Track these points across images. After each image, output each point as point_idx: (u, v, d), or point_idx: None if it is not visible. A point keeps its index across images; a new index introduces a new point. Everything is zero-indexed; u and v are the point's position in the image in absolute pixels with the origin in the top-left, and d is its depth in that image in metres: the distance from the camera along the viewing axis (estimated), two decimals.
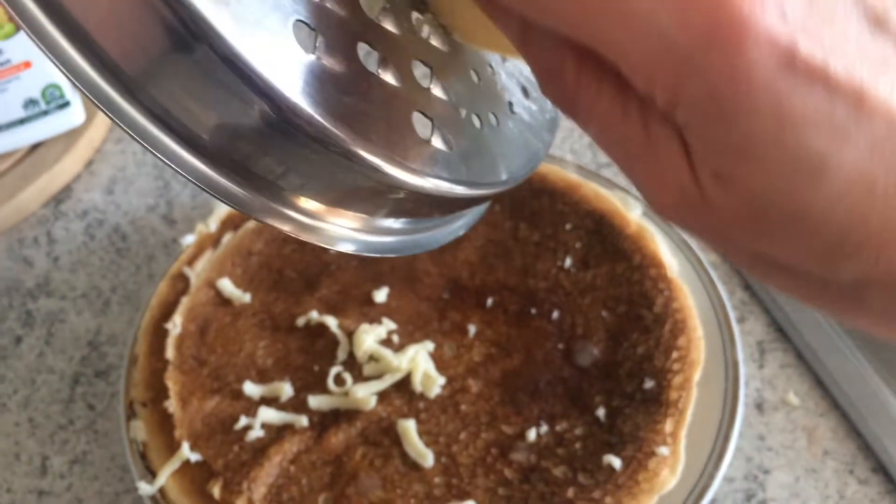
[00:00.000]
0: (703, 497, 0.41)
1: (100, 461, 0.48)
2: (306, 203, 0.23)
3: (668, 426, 0.42)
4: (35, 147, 0.63)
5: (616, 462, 0.41)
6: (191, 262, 0.50)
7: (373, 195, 0.23)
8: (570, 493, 0.40)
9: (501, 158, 0.27)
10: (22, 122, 0.61)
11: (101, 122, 0.66)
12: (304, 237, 0.24)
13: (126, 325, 0.54)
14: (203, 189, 0.22)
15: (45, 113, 0.62)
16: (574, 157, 0.62)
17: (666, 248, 0.51)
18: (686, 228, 0.21)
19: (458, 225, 0.30)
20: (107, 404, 0.51)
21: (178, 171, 0.21)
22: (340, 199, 0.24)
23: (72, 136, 0.64)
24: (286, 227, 0.23)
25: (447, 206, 0.26)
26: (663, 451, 0.41)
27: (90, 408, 0.51)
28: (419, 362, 0.46)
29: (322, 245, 0.24)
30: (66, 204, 0.62)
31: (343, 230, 0.25)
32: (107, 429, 0.49)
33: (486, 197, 0.26)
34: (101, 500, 0.46)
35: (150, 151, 0.21)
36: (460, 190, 0.24)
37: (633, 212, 0.53)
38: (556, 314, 0.48)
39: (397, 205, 0.25)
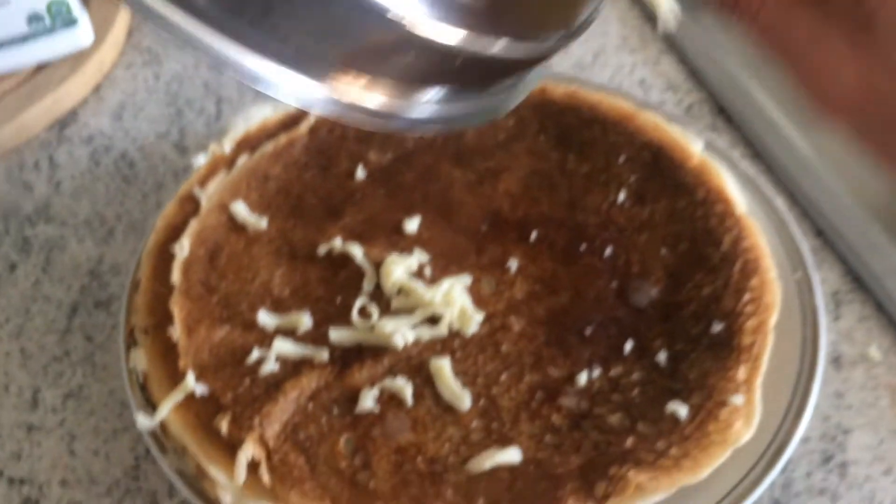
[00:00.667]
0: (781, 454, 0.36)
1: (97, 396, 0.43)
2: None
3: (742, 373, 0.37)
4: (40, 68, 0.58)
5: (682, 410, 0.36)
6: (202, 183, 0.45)
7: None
8: (629, 442, 0.35)
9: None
10: (25, 39, 0.57)
11: (111, 44, 0.61)
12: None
13: (130, 254, 0.49)
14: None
15: (51, 30, 0.57)
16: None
17: (733, 184, 0.45)
18: None
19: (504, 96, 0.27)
20: (107, 336, 0.46)
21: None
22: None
23: (79, 57, 0.59)
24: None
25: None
26: (736, 400, 0.36)
27: (88, 339, 0.46)
28: (455, 296, 0.40)
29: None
30: (70, 129, 0.57)
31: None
32: (106, 361, 0.45)
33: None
34: (97, 437, 0.42)
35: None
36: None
37: (694, 146, 0.47)
38: (608, 251, 0.43)
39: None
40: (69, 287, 0.48)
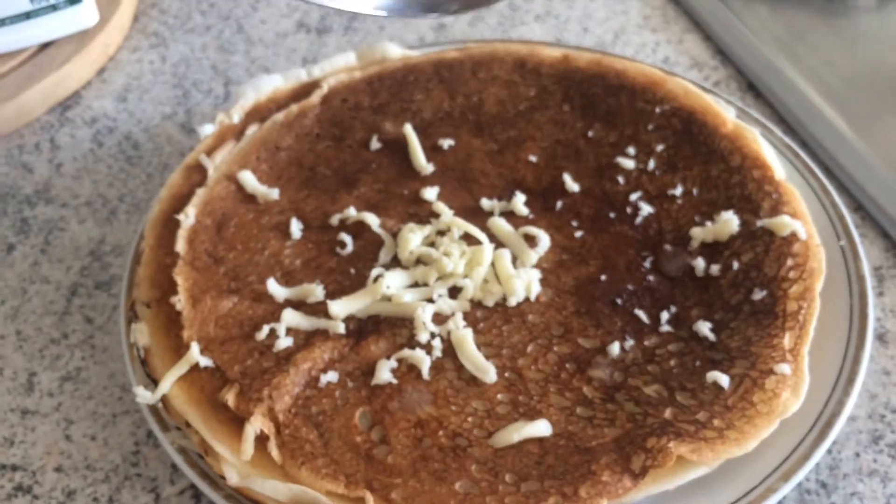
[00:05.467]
0: (831, 427, 0.33)
1: (95, 379, 0.41)
2: None
3: (788, 341, 0.34)
4: (43, 47, 0.56)
5: (724, 380, 0.33)
6: (209, 152, 0.43)
7: None
8: (668, 413, 0.32)
9: None
10: (28, 16, 0.55)
11: (116, 27, 0.59)
12: None
13: (133, 234, 0.47)
14: None
15: (55, 8, 0.55)
16: None
17: (769, 150, 0.43)
18: None
19: None
20: (107, 317, 0.43)
21: None
22: None
23: (83, 38, 0.57)
24: None
25: None
26: (784, 368, 0.33)
27: (88, 321, 0.43)
28: (477, 267, 0.38)
29: None
30: (73, 111, 0.55)
31: None
32: (106, 344, 0.42)
33: None
34: (95, 421, 0.39)
35: None
36: None
37: (727, 113, 0.45)
38: (639, 219, 0.41)
39: None
40: (69, 268, 0.46)
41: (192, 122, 0.54)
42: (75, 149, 0.53)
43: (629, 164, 0.43)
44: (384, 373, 0.35)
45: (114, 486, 0.37)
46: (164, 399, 0.35)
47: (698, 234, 0.39)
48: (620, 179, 0.42)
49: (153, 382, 0.36)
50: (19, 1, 0.54)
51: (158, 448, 0.38)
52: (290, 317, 0.36)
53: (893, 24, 0.60)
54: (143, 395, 0.34)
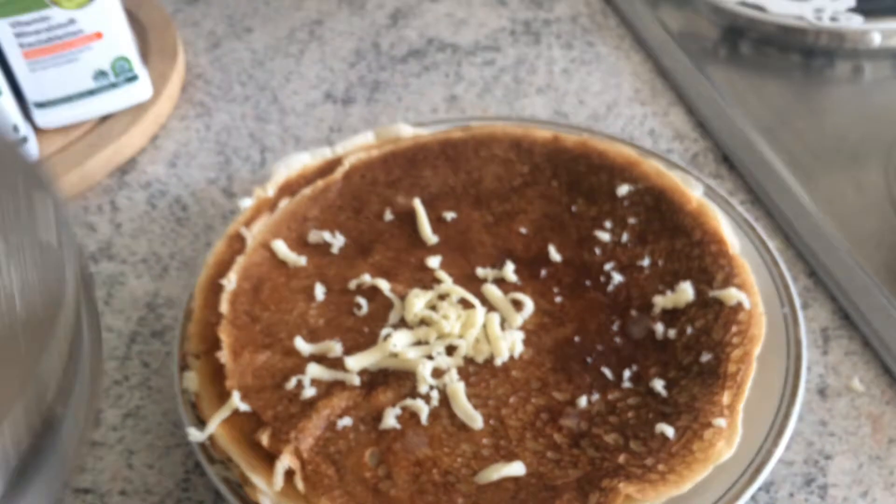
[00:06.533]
0: (760, 473, 0.40)
1: (152, 416, 0.49)
2: None
3: (726, 398, 0.41)
4: (103, 119, 0.65)
5: (669, 431, 0.40)
6: (248, 223, 0.51)
7: None
8: (622, 459, 0.39)
9: None
10: (91, 92, 0.63)
11: (167, 98, 0.67)
12: None
13: (182, 289, 0.55)
14: None
15: (114, 85, 0.63)
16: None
17: (728, 227, 0.49)
18: None
19: None
20: (161, 362, 0.51)
21: None
22: None
23: (138, 110, 0.65)
24: None
25: None
26: (720, 422, 0.40)
27: (145, 365, 0.51)
28: (470, 329, 0.45)
29: None
30: (130, 175, 0.64)
31: None
32: (160, 385, 0.50)
33: None
34: (152, 453, 0.47)
35: None
36: None
37: (694, 191, 0.52)
38: (611, 287, 0.47)
39: None
40: (128, 318, 0.54)
41: (233, 187, 0.62)
42: (132, 210, 0.61)
43: (605, 236, 0.50)
44: (390, 419, 0.42)
45: None
46: (210, 437, 0.42)
47: (660, 301, 0.46)
48: (597, 251, 0.49)
49: (201, 423, 0.43)
50: (84, 80, 0.62)
51: (204, 476, 0.45)
52: (314, 370, 0.44)
53: (863, 98, 0.67)
54: (195, 435, 0.42)
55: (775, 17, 0.68)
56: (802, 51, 0.69)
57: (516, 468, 0.39)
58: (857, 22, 0.66)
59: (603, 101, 0.67)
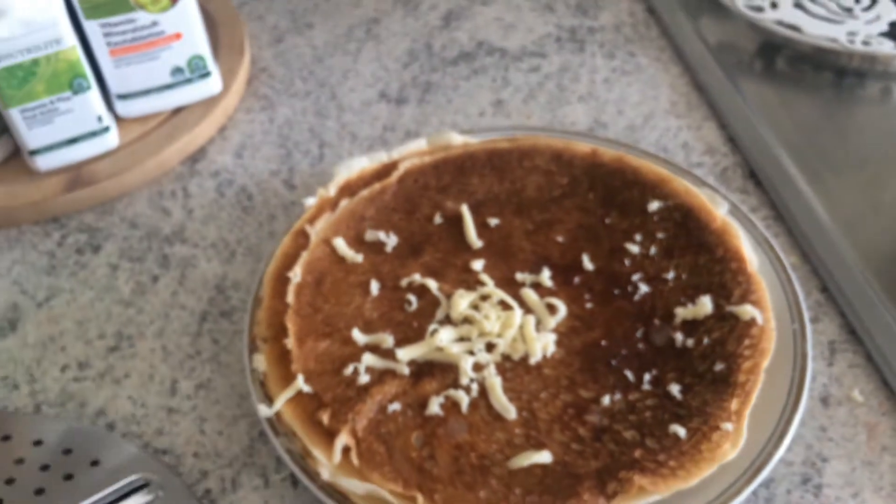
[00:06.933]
0: (760, 472, 0.45)
1: (221, 388, 0.55)
2: None
3: (734, 405, 0.46)
4: (177, 111, 0.70)
5: (681, 431, 0.45)
6: (311, 221, 0.56)
7: None
8: (637, 454, 0.45)
9: None
10: (169, 87, 0.69)
11: (234, 92, 0.73)
12: None
13: (248, 274, 0.61)
14: None
15: (189, 81, 0.69)
16: (666, 156, 0.66)
17: (748, 245, 0.54)
18: None
19: None
20: (230, 340, 0.57)
21: None
22: None
23: (209, 103, 0.71)
24: None
25: None
26: (727, 426, 0.45)
27: (215, 342, 0.57)
28: (508, 328, 0.50)
29: None
30: (200, 163, 0.69)
31: None
32: (228, 361, 0.56)
33: None
34: (221, 421, 0.53)
35: None
36: None
37: (719, 209, 0.56)
38: (637, 296, 0.52)
39: None
40: (199, 298, 0.60)
41: (293, 180, 0.68)
42: (202, 197, 0.67)
43: (635, 249, 0.55)
44: (434, 406, 0.48)
45: (235, 470, 0.51)
46: (276, 413, 0.48)
47: (681, 312, 0.51)
48: (626, 262, 0.54)
49: (268, 399, 0.50)
50: (163, 76, 0.68)
51: (267, 445, 0.52)
52: (368, 359, 0.50)
53: (890, 120, 0.70)
54: (264, 410, 0.48)
55: (810, 38, 0.71)
56: (835, 69, 0.73)
57: (544, 456, 0.45)
58: (888, 46, 0.70)
59: (640, 112, 0.71)
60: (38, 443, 0.49)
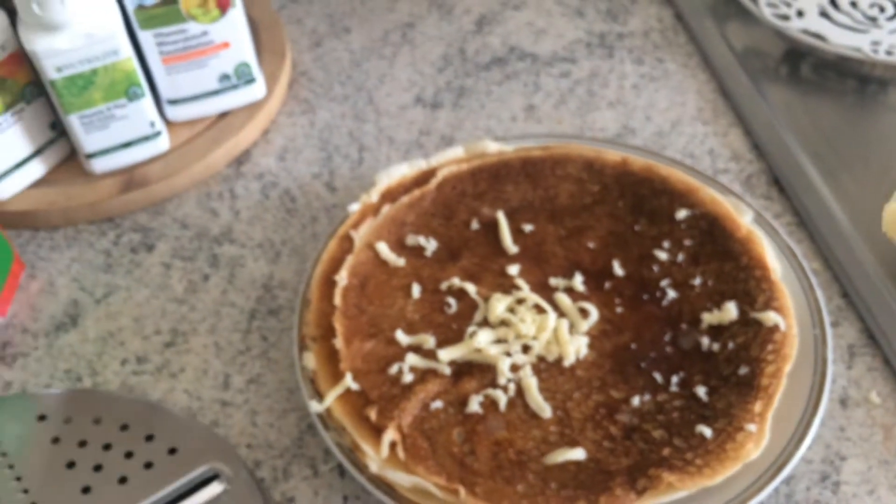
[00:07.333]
0: (782, 471, 0.48)
1: (271, 383, 0.58)
2: None
3: (758, 407, 0.49)
4: (223, 115, 0.74)
5: (707, 432, 0.48)
6: (355, 226, 0.60)
7: None
8: (666, 452, 0.48)
9: None
10: (216, 93, 0.72)
11: (277, 96, 0.76)
12: None
13: (293, 274, 0.64)
14: None
15: (235, 87, 0.72)
16: (693, 162, 0.68)
17: (772, 253, 0.57)
18: None
19: None
20: (278, 337, 0.61)
21: None
22: None
23: (254, 108, 0.74)
24: None
25: None
26: (751, 427, 0.48)
27: (264, 339, 0.61)
28: (543, 331, 0.53)
29: None
30: (245, 166, 0.73)
31: None
32: (277, 357, 0.60)
33: None
34: (272, 414, 0.57)
35: None
36: None
37: (744, 217, 0.59)
38: (665, 302, 0.55)
39: None
40: (248, 297, 0.64)
41: (334, 182, 0.71)
42: (248, 199, 0.70)
43: (663, 255, 0.57)
44: (474, 404, 0.51)
45: (286, 460, 0.55)
46: (326, 409, 0.52)
47: (707, 317, 0.54)
48: (655, 268, 0.57)
49: (317, 395, 0.53)
50: (211, 82, 0.71)
51: (316, 437, 0.55)
52: (412, 359, 0.53)
53: None
54: (314, 406, 0.51)
55: (834, 47, 0.73)
56: (858, 77, 0.75)
57: (578, 453, 0.48)
58: None
59: (668, 118, 0.73)
60: (124, 427, 0.52)
